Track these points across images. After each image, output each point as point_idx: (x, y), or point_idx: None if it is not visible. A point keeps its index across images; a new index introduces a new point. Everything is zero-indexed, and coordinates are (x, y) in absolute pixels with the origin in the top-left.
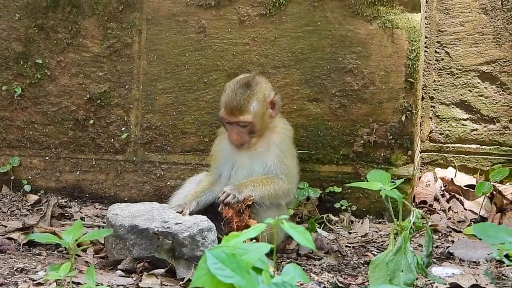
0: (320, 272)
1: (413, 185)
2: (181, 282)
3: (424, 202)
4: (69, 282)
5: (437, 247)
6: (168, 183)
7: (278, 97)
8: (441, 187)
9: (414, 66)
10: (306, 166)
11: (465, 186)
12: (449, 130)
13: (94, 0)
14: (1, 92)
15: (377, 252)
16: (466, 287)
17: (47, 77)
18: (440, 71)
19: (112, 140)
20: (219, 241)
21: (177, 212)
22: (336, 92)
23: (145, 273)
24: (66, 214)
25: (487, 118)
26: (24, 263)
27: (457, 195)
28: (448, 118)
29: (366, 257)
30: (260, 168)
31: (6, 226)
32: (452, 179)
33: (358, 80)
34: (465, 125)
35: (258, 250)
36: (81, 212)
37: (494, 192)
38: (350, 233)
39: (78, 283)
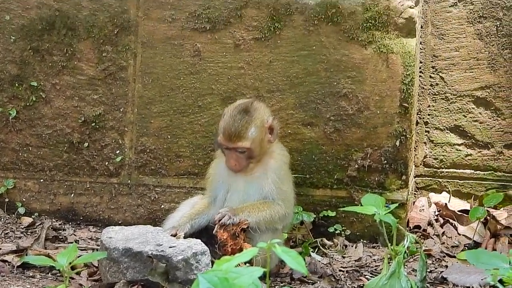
0: None
1: (407, 209)
2: None
3: (418, 226)
4: None
5: (431, 272)
6: (162, 206)
7: (276, 122)
8: (435, 212)
9: (409, 91)
10: (300, 190)
11: (459, 211)
12: (443, 155)
13: (89, 23)
14: None
15: (371, 277)
16: None
17: (42, 100)
18: (435, 96)
19: (107, 163)
20: (213, 264)
21: (171, 234)
22: (330, 117)
23: None
24: (60, 237)
25: (481, 143)
26: (18, 286)
27: (451, 220)
28: (442, 143)
29: (360, 281)
30: (256, 192)
31: (0, 249)
32: (446, 204)
33: (353, 105)
34: (460, 150)
35: (250, 274)
36: (75, 235)
37: (488, 217)
38: (343, 257)
39: None
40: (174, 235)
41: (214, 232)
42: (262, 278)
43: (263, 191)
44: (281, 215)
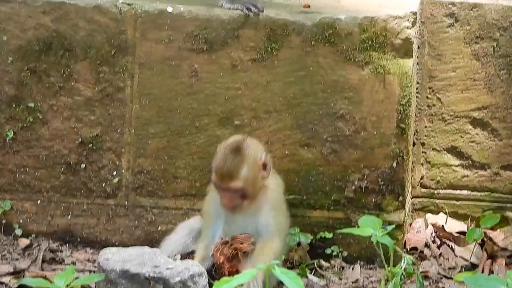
0: None
1: (404, 231)
2: None
3: (415, 248)
4: None
5: None
6: (159, 227)
7: (269, 157)
8: (432, 233)
9: (406, 112)
10: (297, 211)
11: (456, 232)
12: (440, 176)
13: (86, 44)
14: None
15: None
16: None
17: (39, 121)
18: (432, 117)
19: (104, 184)
20: (210, 286)
21: None
22: (327, 138)
23: None
24: (57, 259)
25: (478, 164)
26: None
27: (448, 242)
28: (439, 164)
29: None
30: (253, 225)
31: None
32: (443, 225)
33: (350, 126)
34: (456, 171)
35: None
36: (72, 257)
37: (485, 239)
38: (341, 279)
39: None
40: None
41: (210, 255)
42: None
43: (260, 224)
44: (280, 250)
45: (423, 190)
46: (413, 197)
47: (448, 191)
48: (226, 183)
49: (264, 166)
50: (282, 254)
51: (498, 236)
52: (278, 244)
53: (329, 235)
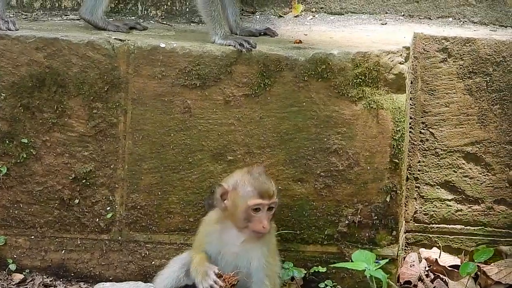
0: None
1: (397, 265)
2: None
3: (409, 282)
4: None
5: None
6: (153, 262)
7: None
8: (425, 267)
9: (399, 147)
10: (290, 246)
11: (449, 266)
12: (433, 211)
13: (79, 80)
14: None
15: None
16: None
17: (33, 157)
18: (425, 151)
19: (97, 219)
20: None
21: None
22: (321, 173)
23: None
24: None
25: (471, 198)
26: None
27: (441, 276)
28: (432, 199)
29: None
30: (245, 265)
31: None
32: (436, 259)
33: (343, 161)
34: (450, 206)
35: None
36: None
37: (479, 273)
38: None
39: None
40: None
41: None
42: None
43: (251, 264)
44: None
45: (416, 224)
46: (406, 232)
47: (441, 225)
48: (272, 199)
49: None
50: None
51: (491, 270)
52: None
53: (322, 270)
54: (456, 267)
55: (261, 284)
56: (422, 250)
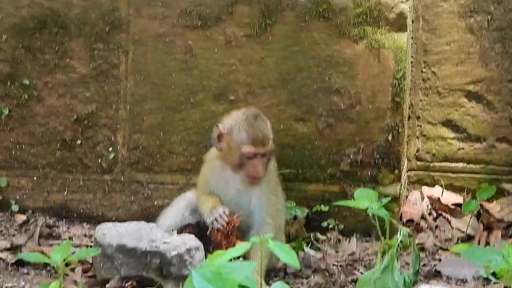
0: None
1: (400, 203)
2: None
3: (411, 220)
4: None
5: (424, 265)
6: (155, 202)
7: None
8: (428, 205)
9: (401, 86)
10: (293, 185)
11: (452, 204)
12: (435, 149)
13: (80, 21)
14: None
15: (364, 271)
16: None
17: (35, 98)
18: (427, 90)
19: (100, 160)
20: None
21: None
22: (322, 112)
23: None
24: (54, 234)
25: (473, 137)
26: (12, 283)
27: (444, 214)
28: (434, 137)
29: (354, 275)
30: (247, 203)
31: None
32: (439, 197)
33: (345, 100)
34: (452, 144)
35: (244, 269)
36: (69, 232)
37: (481, 211)
38: (337, 251)
39: None
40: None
41: (208, 233)
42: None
43: (252, 203)
44: (273, 233)
45: (418, 163)
46: (408, 170)
47: (443, 164)
48: (264, 147)
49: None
50: (277, 237)
51: (494, 207)
52: (270, 230)
53: (325, 209)
54: (458, 205)
55: (263, 222)
56: (424, 188)
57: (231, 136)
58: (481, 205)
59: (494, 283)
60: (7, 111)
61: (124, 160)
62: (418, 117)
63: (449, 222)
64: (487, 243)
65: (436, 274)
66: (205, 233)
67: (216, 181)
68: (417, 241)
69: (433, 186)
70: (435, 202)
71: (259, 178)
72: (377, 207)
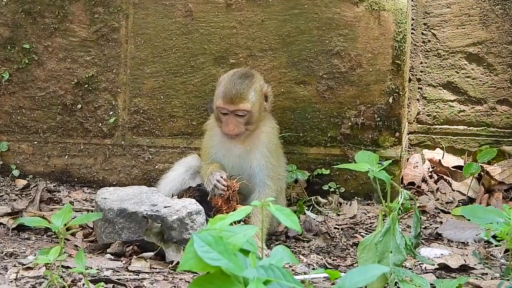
0: (308, 254)
1: (401, 166)
2: (170, 265)
3: (412, 183)
4: (58, 266)
5: (425, 228)
6: (156, 166)
7: (271, 90)
8: (429, 168)
9: (401, 48)
10: (294, 148)
11: (453, 167)
12: (436, 112)
13: None
14: None
15: (366, 234)
16: (454, 267)
17: (35, 62)
18: (427, 53)
19: (100, 124)
20: None
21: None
22: (323, 75)
23: (134, 256)
24: (54, 199)
25: (474, 99)
26: (13, 248)
27: (445, 176)
28: (435, 100)
29: (355, 238)
30: (248, 167)
31: None
32: (440, 160)
33: (345, 63)
34: (453, 107)
35: (245, 232)
36: (69, 197)
37: (482, 173)
38: (338, 215)
39: (67, 267)
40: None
41: (208, 199)
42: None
43: (252, 166)
44: (274, 197)
45: (419, 125)
46: (409, 133)
47: (444, 126)
48: (234, 105)
49: (266, 97)
50: (278, 200)
51: (495, 170)
52: (270, 193)
53: (326, 172)
54: (459, 167)
55: (263, 185)
56: (425, 151)
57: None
58: (482, 168)
59: (495, 245)
60: (7, 75)
61: (125, 124)
62: (419, 80)
63: (450, 185)
64: (488, 205)
65: (437, 237)
66: (206, 198)
67: (217, 148)
68: (418, 204)
69: (434, 149)
70: (436, 165)
71: (231, 136)
72: (377, 170)
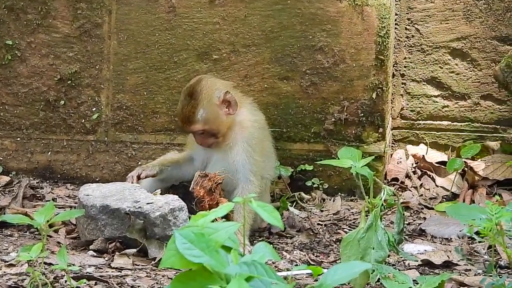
0: (292, 250)
1: (384, 162)
2: (153, 262)
3: (396, 179)
4: (41, 262)
5: (408, 224)
6: (139, 162)
7: (231, 94)
8: (412, 164)
9: (385, 44)
10: (277, 144)
11: (436, 163)
12: (420, 107)
13: None
14: None
15: (349, 230)
16: (438, 264)
17: (18, 58)
18: (411, 48)
19: (83, 120)
20: None
21: (137, 175)
22: (306, 70)
23: (117, 253)
24: (37, 195)
25: (458, 94)
26: None
27: (428, 172)
28: (419, 95)
29: (338, 234)
30: (229, 163)
31: None
32: (423, 156)
33: (329, 58)
34: (436, 102)
35: (227, 229)
36: (52, 193)
37: (466, 169)
38: (322, 211)
39: (50, 264)
40: (138, 177)
41: (190, 189)
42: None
43: (235, 161)
44: (258, 192)
45: (403, 121)
46: (393, 128)
47: (428, 121)
48: (187, 128)
49: (228, 103)
50: (261, 197)
51: (479, 166)
52: (253, 189)
53: (309, 168)
54: (443, 163)
55: (246, 181)
56: (409, 147)
57: None
58: (466, 163)
59: (479, 242)
60: None
61: (108, 120)
62: (403, 75)
63: (434, 181)
64: (472, 202)
65: (421, 233)
66: (188, 191)
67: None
68: (401, 200)
69: (418, 144)
70: (419, 161)
71: (204, 147)
72: (360, 166)
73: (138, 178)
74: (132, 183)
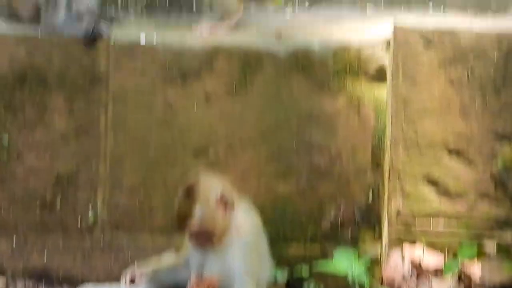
0: None
1: (380, 262)
2: None
3: (392, 281)
4: None
5: None
6: (135, 263)
7: (228, 194)
8: (409, 265)
9: (381, 143)
10: (273, 244)
11: (433, 264)
12: (416, 207)
13: (60, 76)
14: None
15: None
16: None
17: (14, 158)
18: (407, 145)
19: (80, 220)
20: None
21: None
22: (303, 170)
23: None
24: None
25: (455, 194)
26: None
27: (425, 274)
28: (415, 195)
29: None
30: (225, 266)
31: None
32: (420, 263)
33: (325, 157)
34: (433, 201)
35: None
36: None
37: (462, 271)
38: None
39: None
40: (132, 280)
41: None
42: None
43: (230, 265)
44: None
45: (399, 220)
46: (389, 228)
47: (424, 221)
48: (183, 227)
49: (224, 204)
50: None
51: (475, 272)
52: (251, 286)
53: (305, 274)
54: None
55: (241, 282)
56: (405, 246)
57: None
58: (462, 266)
59: None
60: None
61: (104, 220)
62: (399, 174)
63: (431, 284)
64: None
65: None
66: None
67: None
68: None
69: (414, 243)
70: (416, 267)
71: (199, 248)
72: (357, 270)
73: (132, 281)
74: (125, 283)
